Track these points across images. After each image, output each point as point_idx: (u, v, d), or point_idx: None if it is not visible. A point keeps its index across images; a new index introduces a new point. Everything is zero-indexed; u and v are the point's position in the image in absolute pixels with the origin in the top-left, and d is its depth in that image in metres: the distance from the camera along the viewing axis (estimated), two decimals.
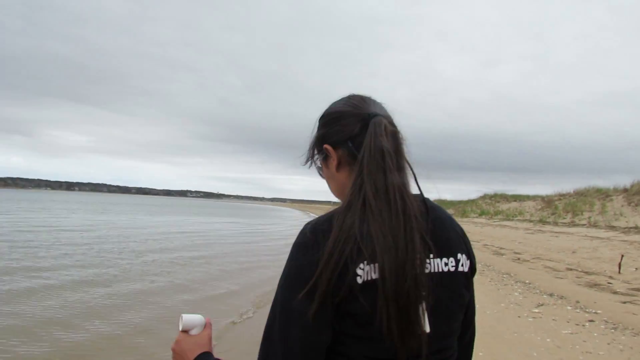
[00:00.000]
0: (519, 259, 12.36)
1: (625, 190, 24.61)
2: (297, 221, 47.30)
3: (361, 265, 0.90)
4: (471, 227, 26.62)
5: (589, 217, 22.57)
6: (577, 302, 7.08)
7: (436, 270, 0.96)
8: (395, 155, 1.00)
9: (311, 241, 0.94)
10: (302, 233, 0.96)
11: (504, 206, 36.64)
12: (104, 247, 15.17)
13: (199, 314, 1.15)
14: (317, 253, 0.91)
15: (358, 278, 0.89)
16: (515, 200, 37.95)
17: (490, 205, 38.96)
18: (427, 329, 0.90)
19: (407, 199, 0.96)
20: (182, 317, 1.12)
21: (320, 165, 1.15)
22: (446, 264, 0.98)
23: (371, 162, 0.98)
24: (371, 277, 0.89)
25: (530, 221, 26.78)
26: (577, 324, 5.83)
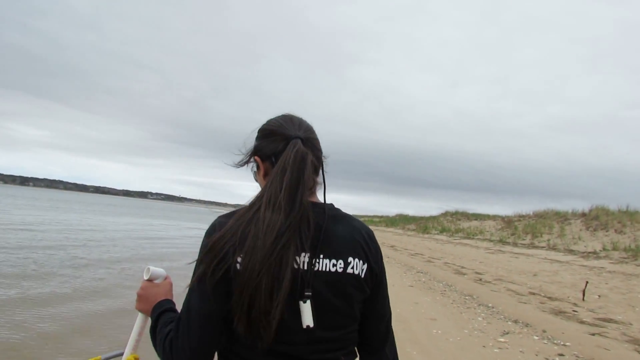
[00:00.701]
0: (480, 279, 11.91)
1: (583, 214, 24.94)
2: None
3: (241, 256, 1.08)
4: (432, 244, 26.36)
5: (548, 240, 22.65)
6: (544, 331, 6.55)
7: (323, 269, 1.13)
8: (297, 172, 1.16)
9: (212, 228, 1.17)
10: (211, 224, 1.19)
11: (465, 224, 36.76)
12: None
13: (161, 268, 1.39)
14: (209, 240, 1.13)
15: (237, 265, 1.08)
16: (476, 219, 38.20)
17: (452, 223, 39.06)
18: (309, 321, 1.09)
19: (303, 207, 1.14)
20: (149, 268, 1.35)
21: (255, 171, 1.33)
22: (334, 265, 1.15)
23: (276, 176, 1.17)
24: (237, 267, 1.09)
25: (491, 241, 26.77)
26: (547, 358, 5.27)
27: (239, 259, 1.08)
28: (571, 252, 19.25)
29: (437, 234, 36.12)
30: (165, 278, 1.38)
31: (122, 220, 35.94)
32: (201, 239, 1.15)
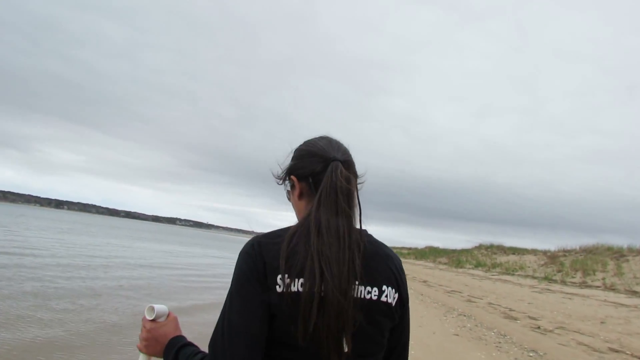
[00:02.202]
0: (538, 327, 9.73)
1: None
2: None
3: (279, 276, 1.10)
4: (468, 280, 23.92)
5: (604, 279, 20.00)
6: None
7: (359, 296, 1.14)
8: (346, 196, 1.20)
9: (250, 249, 1.15)
10: (247, 243, 1.18)
11: (501, 259, 33.98)
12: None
13: (162, 303, 1.34)
14: (251, 259, 1.13)
15: (277, 287, 1.09)
16: (513, 253, 35.37)
17: (487, 257, 36.28)
18: (346, 347, 1.09)
19: (351, 233, 1.17)
20: (152, 307, 1.30)
21: (289, 190, 1.35)
22: (369, 292, 1.16)
23: (326, 199, 1.18)
24: (292, 289, 1.09)
25: (534, 277, 24.12)
26: None
27: (297, 283, 1.09)
28: (635, 293, 16.66)
29: (472, 268, 33.45)
30: (168, 315, 1.34)
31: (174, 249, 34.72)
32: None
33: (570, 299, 15.97)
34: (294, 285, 1.09)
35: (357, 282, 1.12)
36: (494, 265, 31.78)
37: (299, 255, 1.11)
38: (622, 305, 14.31)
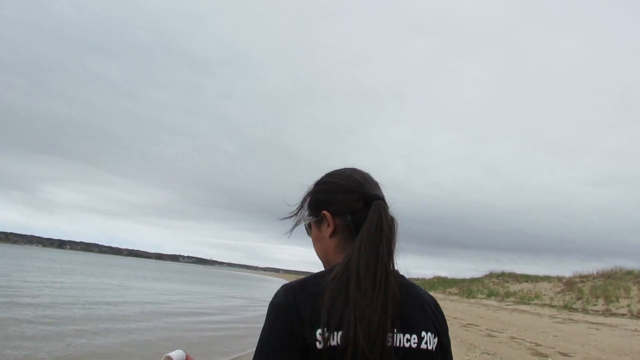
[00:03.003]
0: None
1: None
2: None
3: (319, 331, 1.04)
4: (483, 311, 22.60)
5: (629, 305, 18.79)
6: None
7: (398, 345, 1.10)
8: (389, 239, 1.15)
9: (283, 302, 1.08)
10: (277, 294, 1.10)
11: (514, 287, 32.59)
12: None
13: (178, 349, 1.31)
14: (285, 315, 1.06)
15: (317, 343, 1.04)
16: (526, 281, 34.01)
17: (499, 286, 34.86)
18: None
19: (388, 279, 1.11)
20: (170, 357, 1.26)
21: (308, 224, 1.30)
22: (408, 340, 1.12)
23: (369, 243, 1.13)
24: (331, 344, 1.04)
25: (552, 306, 22.85)
26: None
27: (336, 336, 1.05)
28: None
29: (485, 298, 32.04)
30: (186, 358, 1.32)
31: (189, 288, 33.51)
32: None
33: (597, 329, 14.77)
34: (333, 339, 1.05)
35: (395, 330, 1.10)
36: (508, 295, 30.43)
37: (338, 306, 1.07)
38: None
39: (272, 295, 1.12)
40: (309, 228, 1.31)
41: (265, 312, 1.11)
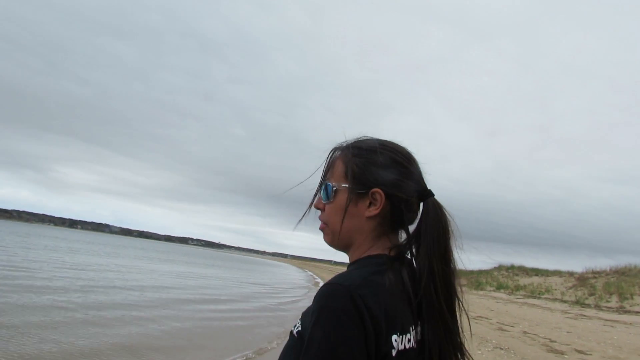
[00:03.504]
0: None
1: None
2: (278, 281, 43.08)
3: (394, 337, 0.97)
4: (492, 304, 22.24)
5: None
6: None
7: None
8: (452, 243, 1.12)
9: (351, 306, 0.92)
10: (334, 296, 0.95)
11: (524, 280, 32.11)
12: None
13: None
14: (353, 322, 0.92)
15: (393, 351, 0.96)
16: (536, 275, 33.54)
17: (508, 279, 34.39)
18: None
19: (454, 286, 1.11)
20: None
21: (335, 189, 1.12)
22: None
23: (433, 243, 1.08)
24: (405, 346, 0.99)
25: (564, 301, 22.40)
26: None
27: (404, 339, 1.00)
28: None
29: (494, 290, 31.64)
30: None
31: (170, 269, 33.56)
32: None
33: (612, 326, 14.34)
34: (402, 343, 1.00)
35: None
36: (518, 288, 29.98)
37: (399, 305, 1.03)
38: None
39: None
40: (333, 193, 1.13)
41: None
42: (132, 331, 9.31)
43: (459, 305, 1.12)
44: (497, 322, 14.22)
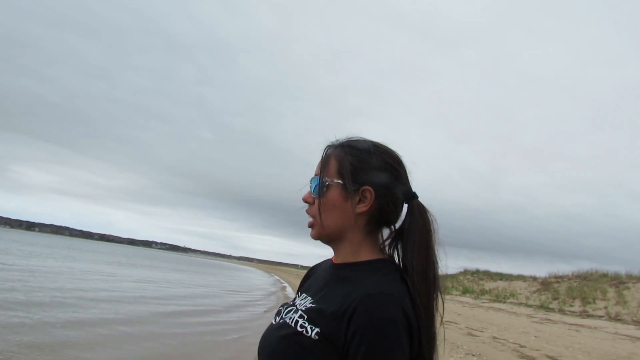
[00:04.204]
0: None
1: None
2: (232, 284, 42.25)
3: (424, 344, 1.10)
4: (459, 308, 22.24)
5: (606, 307, 18.60)
6: None
7: None
8: (434, 244, 1.19)
9: (403, 318, 1.03)
10: (387, 308, 1.03)
11: (489, 285, 32.51)
12: None
13: None
14: (408, 335, 1.04)
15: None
16: (500, 279, 33.99)
17: (474, 283, 34.76)
18: None
19: (438, 285, 1.18)
20: None
21: (327, 184, 1.17)
22: None
23: (429, 249, 1.16)
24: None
25: (528, 305, 22.65)
26: None
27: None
28: None
29: (460, 295, 31.86)
30: None
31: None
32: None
33: (577, 331, 14.43)
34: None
35: None
36: (483, 292, 30.30)
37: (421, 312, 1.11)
38: (637, 338, 12.82)
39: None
40: (325, 188, 1.18)
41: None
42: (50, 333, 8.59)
43: (437, 306, 1.16)
44: (466, 327, 14.07)
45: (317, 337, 1.04)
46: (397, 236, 1.20)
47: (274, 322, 1.20)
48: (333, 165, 1.18)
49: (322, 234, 1.20)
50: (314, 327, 1.06)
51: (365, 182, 1.15)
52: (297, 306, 1.16)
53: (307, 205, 1.23)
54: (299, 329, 1.07)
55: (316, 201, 1.19)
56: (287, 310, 1.18)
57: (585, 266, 27.43)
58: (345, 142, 1.22)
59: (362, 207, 1.16)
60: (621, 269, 22.16)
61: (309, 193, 1.22)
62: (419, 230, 1.15)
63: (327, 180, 1.17)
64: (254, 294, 28.28)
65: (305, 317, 1.09)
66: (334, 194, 1.17)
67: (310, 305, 1.11)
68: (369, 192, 1.15)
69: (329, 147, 1.22)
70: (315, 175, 1.21)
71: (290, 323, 1.11)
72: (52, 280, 18.62)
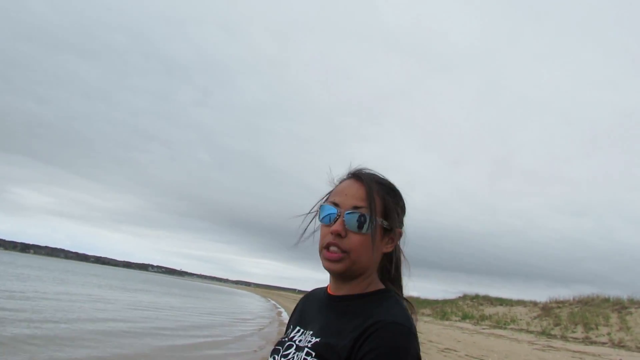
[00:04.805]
0: None
1: None
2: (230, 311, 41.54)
3: None
4: (459, 334, 21.79)
5: (609, 334, 18.22)
6: None
7: None
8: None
9: (416, 333, 1.07)
10: (410, 342, 1.04)
11: (489, 310, 32.01)
12: None
13: None
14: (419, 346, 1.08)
15: None
16: (500, 304, 33.50)
17: (474, 308, 34.24)
18: None
19: None
20: None
21: (376, 225, 1.16)
22: None
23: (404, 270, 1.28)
24: None
25: (529, 332, 22.21)
26: None
27: None
28: None
29: (459, 320, 31.35)
30: None
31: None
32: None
33: (581, 358, 14.09)
34: None
35: None
36: (483, 318, 29.81)
37: None
38: None
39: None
40: (375, 229, 1.16)
41: None
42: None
43: None
44: (466, 355, 13.71)
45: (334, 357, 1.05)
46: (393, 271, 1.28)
47: None
48: (379, 204, 1.17)
49: (351, 270, 1.17)
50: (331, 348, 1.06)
51: (397, 225, 1.21)
52: (298, 343, 1.13)
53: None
54: (304, 346, 1.08)
55: (352, 235, 1.15)
56: (286, 348, 1.14)
57: (584, 290, 27.13)
58: (379, 179, 1.22)
59: (389, 247, 1.21)
60: (621, 293, 21.94)
61: (341, 225, 1.15)
62: (403, 262, 1.25)
63: (379, 221, 1.16)
64: (250, 323, 27.73)
65: (314, 354, 1.07)
66: (376, 233, 1.17)
67: (316, 340, 1.09)
68: (399, 235, 1.22)
69: (361, 178, 1.19)
70: (355, 208, 1.15)
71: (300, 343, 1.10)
72: (30, 305, 18.18)
